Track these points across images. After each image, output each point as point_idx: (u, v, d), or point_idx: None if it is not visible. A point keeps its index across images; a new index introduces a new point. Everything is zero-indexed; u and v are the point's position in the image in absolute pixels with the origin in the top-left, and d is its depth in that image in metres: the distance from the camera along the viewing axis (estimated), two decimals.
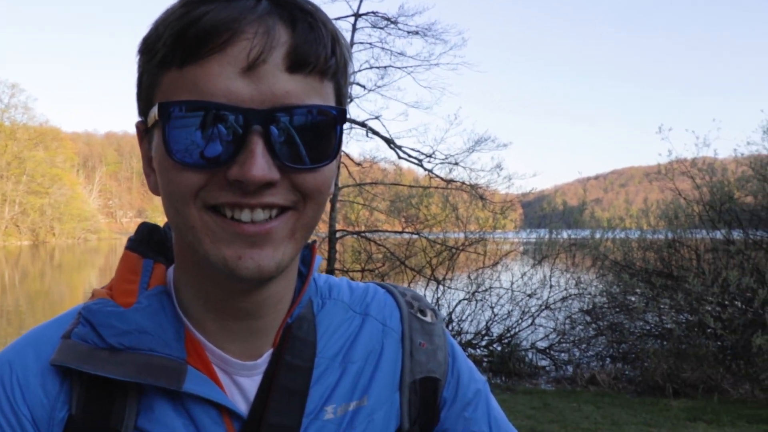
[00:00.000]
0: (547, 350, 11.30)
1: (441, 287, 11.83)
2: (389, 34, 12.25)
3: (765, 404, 7.97)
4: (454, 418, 0.93)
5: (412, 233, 12.59)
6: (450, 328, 11.24)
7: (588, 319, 11.58)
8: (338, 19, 11.63)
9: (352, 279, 1.00)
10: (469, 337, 11.49)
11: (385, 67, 12.39)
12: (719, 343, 9.39)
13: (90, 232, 79.54)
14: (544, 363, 11.11)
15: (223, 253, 0.69)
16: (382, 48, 12.34)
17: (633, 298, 11.02)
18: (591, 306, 11.62)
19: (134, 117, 0.78)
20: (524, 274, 12.01)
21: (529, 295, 11.68)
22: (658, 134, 11.01)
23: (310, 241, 0.86)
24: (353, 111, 12.23)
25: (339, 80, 0.73)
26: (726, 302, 9.53)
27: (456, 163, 12.51)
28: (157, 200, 0.80)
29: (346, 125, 0.80)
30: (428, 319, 0.96)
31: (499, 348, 11.19)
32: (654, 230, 12.19)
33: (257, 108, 0.66)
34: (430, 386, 0.91)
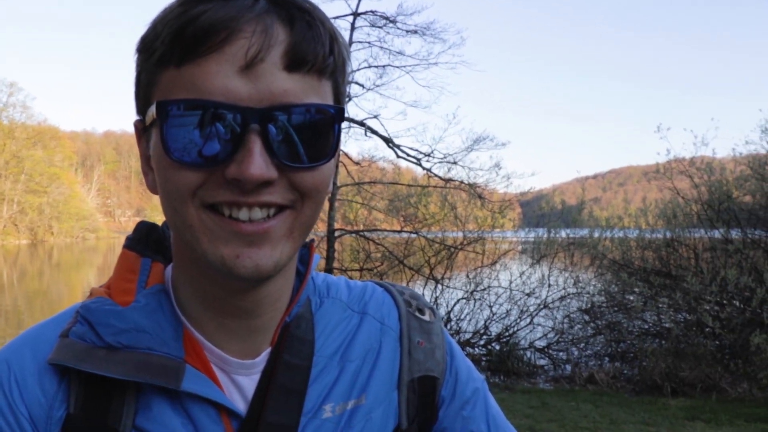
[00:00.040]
0: (546, 349, 11.29)
1: (439, 286, 11.81)
2: (388, 33, 12.24)
3: (763, 403, 7.98)
4: (452, 416, 0.92)
5: (411, 232, 12.57)
6: (448, 327, 11.23)
7: (586, 318, 11.58)
8: (337, 17, 11.60)
9: (351, 278, 1.00)
10: (467, 336, 11.48)
11: (383, 66, 12.38)
12: (717, 342, 9.41)
13: (88, 231, 79.45)
14: (542, 362, 11.11)
15: (221, 252, 0.69)
16: (381, 47, 12.32)
17: (631, 297, 11.01)
18: (589, 305, 11.60)
19: (133, 116, 0.78)
20: (523, 273, 12.00)
21: (528, 295, 11.67)
22: (656, 133, 11.03)
23: (308, 239, 0.86)
24: (352, 110, 12.21)
25: (337, 79, 0.73)
26: (724, 301, 9.53)
27: (454, 162, 12.51)
28: (156, 199, 0.80)
29: (344, 124, 0.80)
30: (426, 317, 0.96)
31: (497, 347, 11.18)
32: (652, 229, 12.16)
33: (255, 107, 0.66)
34: (429, 385, 0.91)
